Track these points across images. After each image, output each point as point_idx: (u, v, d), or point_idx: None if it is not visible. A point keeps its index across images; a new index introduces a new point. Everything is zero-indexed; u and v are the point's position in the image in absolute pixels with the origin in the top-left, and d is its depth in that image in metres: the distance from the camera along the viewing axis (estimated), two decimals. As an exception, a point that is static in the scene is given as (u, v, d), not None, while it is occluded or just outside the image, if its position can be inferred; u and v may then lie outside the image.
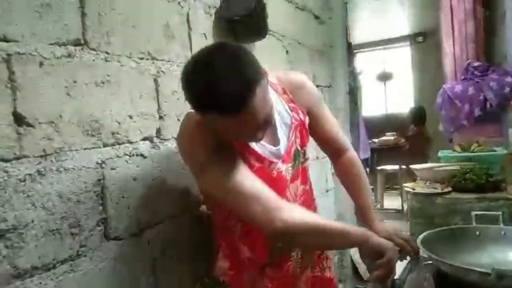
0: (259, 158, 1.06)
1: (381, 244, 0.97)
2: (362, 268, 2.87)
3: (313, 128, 1.21)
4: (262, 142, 1.05)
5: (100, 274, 1.00)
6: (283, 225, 0.92)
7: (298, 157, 1.16)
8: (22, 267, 0.82)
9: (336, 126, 1.29)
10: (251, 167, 1.03)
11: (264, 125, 0.94)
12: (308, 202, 1.24)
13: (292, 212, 0.96)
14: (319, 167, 2.58)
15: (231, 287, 1.15)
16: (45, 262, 0.87)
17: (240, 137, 0.99)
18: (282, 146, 1.11)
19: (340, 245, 1.12)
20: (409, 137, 5.14)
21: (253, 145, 1.05)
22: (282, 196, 1.06)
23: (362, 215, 1.25)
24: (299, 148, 1.16)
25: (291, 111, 1.14)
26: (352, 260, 2.88)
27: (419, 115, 5.19)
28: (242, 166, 0.98)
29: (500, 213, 1.15)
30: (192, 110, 0.97)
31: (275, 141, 1.10)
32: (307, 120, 1.18)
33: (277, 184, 1.07)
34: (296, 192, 1.17)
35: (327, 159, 2.71)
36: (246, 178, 0.97)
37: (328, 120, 1.26)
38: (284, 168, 1.11)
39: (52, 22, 0.92)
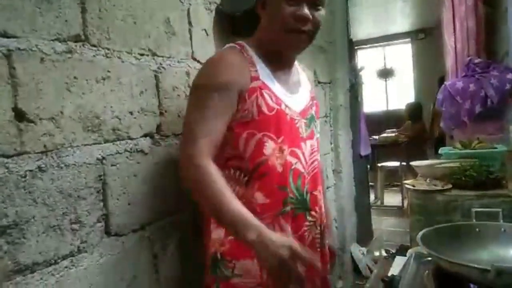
0: (277, 100, 1.09)
1: (273, 243, 0.87)
2: (362, 264, 2.87)
3: None
4: (278, 85, 1.12)
5: (101, 270, 1.01)
6: (183, 174, 1.01)
7: (313, 122, 1.22)
8: (23, 262, 0.83)
9: None
10: (270, 109, 1.07)
11: (316, 4, 1.08)
12: (317, 177, 1.21)
13: (211, 168, 0.98)
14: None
15: (232, 258, 1.05)
16: (46, 257, 0.88)
17: (292, 4, 1.05)
18: (301, 99, 1.18)
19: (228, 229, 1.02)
20: (409, 134, 5.14)
21: (274, 87, 1.10)
22: (297, 146, 1.12)
23: None
24: (314, 115, 1.23)
25: (310, 85, 1.29)
26: (352, 257, 2.89)
27: (415, 111, 5.19)
28: (223, 116, 1.04)
29: (500, 210, 1.15)
30: (232, 45, 1.12)
31: (294, 91, 1.17)
32: None
33: (291, 129, 1.11)
34: (310, 153, 1.17)
35: (328, 155, 2.72)
36: (217, 121, 1.03)
37: None
38: (298, 119, 1.14)
39: (52, 18, 0.91)
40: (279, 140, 1.07)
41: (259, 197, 1.06)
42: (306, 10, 1.06)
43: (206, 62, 1.12)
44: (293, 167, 1.11)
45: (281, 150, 1.07)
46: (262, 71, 1.09)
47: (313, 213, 1.16)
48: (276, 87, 1.11)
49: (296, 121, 1.13)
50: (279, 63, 1.15)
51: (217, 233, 1.07)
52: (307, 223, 1.15)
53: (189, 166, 0.99)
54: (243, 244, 0.97)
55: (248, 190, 1.07)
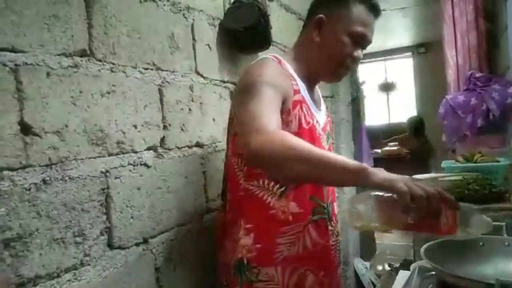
0: (312, 115, 1.13)
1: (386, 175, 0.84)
2: (365, 279, 2.85)
3: None
4: (311, 101, 1.15)
5: (104, 283, 1.00)
6: (260, 145, 0.86)
7: (330, 138, 1.27)
8: (26, 275, 0.83)
9: None
10: (307, 124, 1.10)
11: (364, 48, 1.16)
12: (334, 189, 1.25)
13: (275, 135, 0.88)
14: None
15: (258, 265, 1.08)
16: (49, 271, 0.88)
17: (352, 43, 1.12)
18: (322, 115, 1.23)
19: (323, 176, 0.91)
20: (411, 147, 5.13)
21: (310, 102, 1.14)
22: None
23: None
24: (329, 132, 1.27)
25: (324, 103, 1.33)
26: (355, 271, 2.87)
27: (416, 126, 5.20)
28: (278, 108, 1.00)
29: (504, 223, 1.14)
30: (269, 57, 1.11)
31: (318, 108, 1.22)
32: None
33: (319, 144, 1.14)
34: None
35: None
36: (276, 112, 0.98)
37: None
38: (322, 134, 1.18)
39: (59, 33, 0.93)
40: None
41: (293, 207, 1.10)
42: (361, 52, 1.15)
43: (250, 66, 1.12)
44: None
45: None
46: (300, 85, 1.12)
47: (332, 223, 1.20)
48: (310, 102, 1.15)
49: (321, 136, 1.18)
50: (311, 80, 1.20)
51: (245, 240, 1.09)
52: (329, 232, 1.18)
53: (269, 133, 0.87)
54: (269, 253, 1.08)
55: (282, 200, 1.09)
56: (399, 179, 0.83)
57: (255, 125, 0.90)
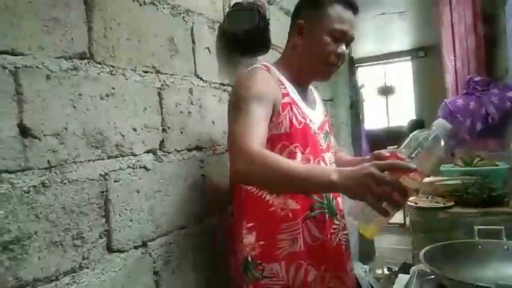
0: (303, 115, 1.20)
1: (352, 171, 0.87)
2: (364, 283, 2.84)
3: None
4: (302, 102, 1.23)
5: (103, 287, 1.00)
6: (243, 168, 0.97)
7: (328, 136, 1.33)
8: (24, 279, 0.83)
9: None
10: (299, 123, 1.18)
11: (348, 44, 1.22)
12: None
13: (259, 156, 0.96)
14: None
15: (262, 261, 1.14)
16: (47, 274, 0.87)
17: (333, 41, 1.18)
18: (318, 115, 1.30)
19: (304, 192, 1.13)
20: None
21: (300, 103, 1.22)
22: (320, 157, 1.23)
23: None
24: (328, 131, 1.34)
25: (322, 104, 1.40)
26: (354, 275, 2.86)
27: (416, 128, 5.21)
28: (264, 120, 1.09)
29: (503, 227, 1.14)
30: (258, 66, 1.21)
31: (313, 108, 1.29)
32: None
33: (314, 142, 1.22)
34: (329, 163, 1.28)
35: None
36: (261, 126, 1.06)
37: None
38: (318, 133, 1.26)
39: (59, 36, 0.93)
40: (306, 151, 1.18)
41: (291, 204, 1.16)
42: (344, 48, 1.21)
43: (240, 77, 1.21)
44: None
45: (307, 160, 1.18)
46: (290, 89, 1.20)
47: (337, 216, 1.26)
48: (301, 103, 1.22)
49: (317, 134, 1.25)
50: (302, 83, 1.28)
51: (248, 238, 1.16)
52: (334, 226, 1.24)
53: (250, 156, 0.96)
54: (271, 249, 1.14)
55: (280, 197, 1.16)
56: (357, 185, 0.85)
57: (239, 146, 0.99)
